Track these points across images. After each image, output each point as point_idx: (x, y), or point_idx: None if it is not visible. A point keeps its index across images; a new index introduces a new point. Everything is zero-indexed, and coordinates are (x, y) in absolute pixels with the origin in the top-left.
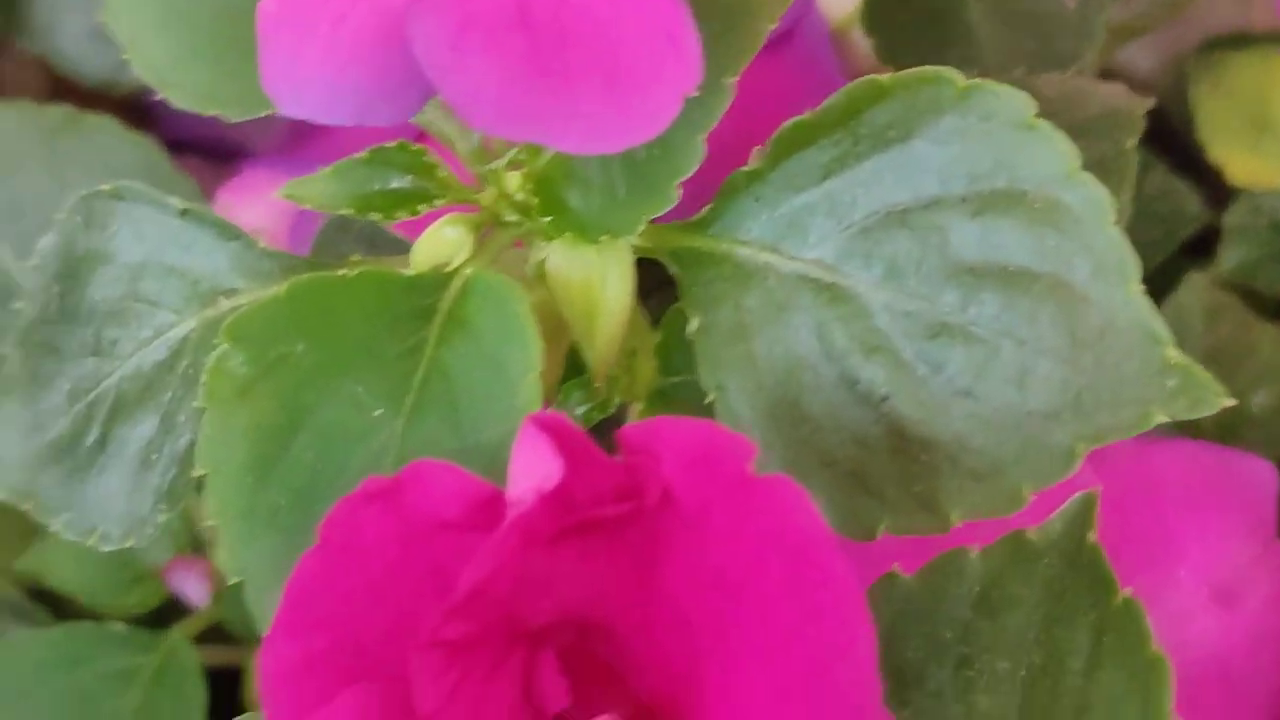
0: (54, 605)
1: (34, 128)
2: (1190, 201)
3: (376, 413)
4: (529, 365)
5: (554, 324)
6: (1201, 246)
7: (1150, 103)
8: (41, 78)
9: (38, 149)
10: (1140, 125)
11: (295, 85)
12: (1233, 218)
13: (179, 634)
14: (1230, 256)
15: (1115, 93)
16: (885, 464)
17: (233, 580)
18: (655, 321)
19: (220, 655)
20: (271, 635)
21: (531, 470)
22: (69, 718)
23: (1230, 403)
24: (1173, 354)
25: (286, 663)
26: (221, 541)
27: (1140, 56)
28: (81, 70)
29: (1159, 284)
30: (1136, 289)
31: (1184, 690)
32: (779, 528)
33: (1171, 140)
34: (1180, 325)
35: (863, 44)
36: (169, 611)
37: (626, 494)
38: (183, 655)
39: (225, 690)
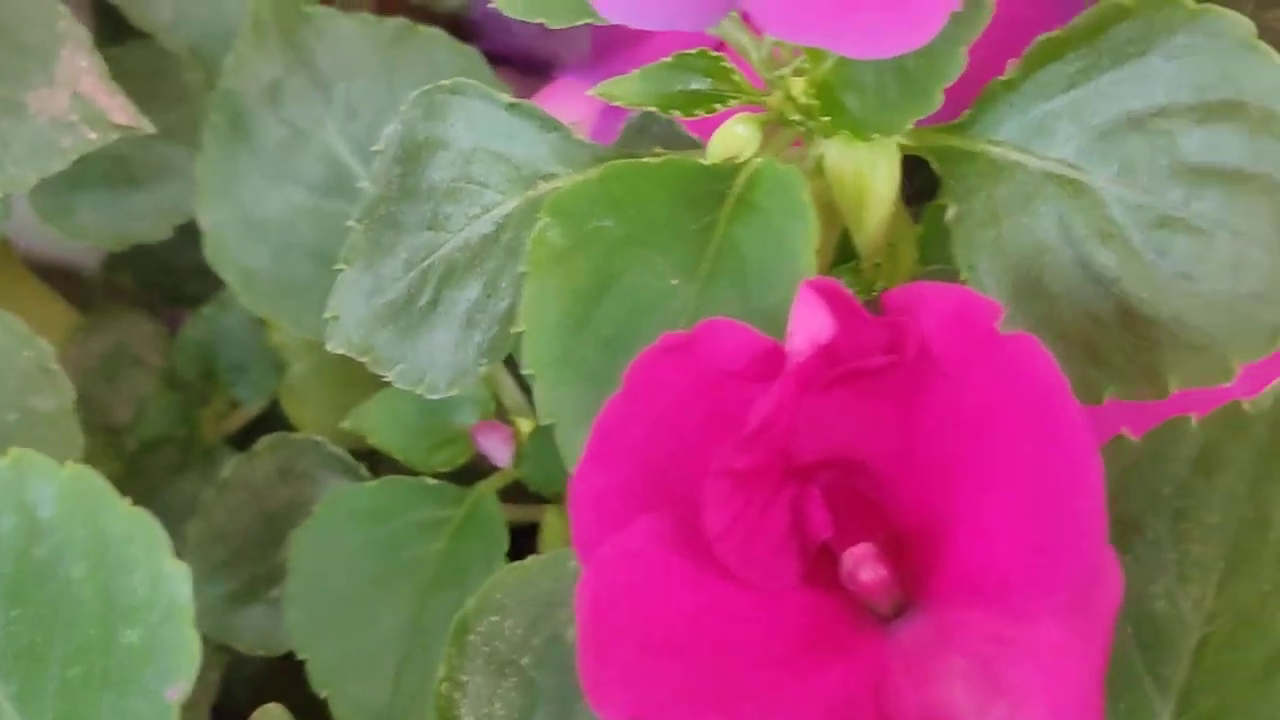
0: (373, 463)
1: (372, 37)
2: None
3: (674, 280)
4: (808, 240)
5: (828, 213)
6: None
7: None
8: None
9: (374, 56)
10: None
11: None
12: None
13: (485, 488)
14: None
15: None
16: (1113, 337)
17: (544, 421)
18: (915, 220)
19: (519, 512)
20: (581, 466)
21: (807, 327)
22: (383, 562)
23: None
24: None
25: (593, 490)
26: (536, 388)
27: None
28: None
29: None
30: None
31: None
32: (1024, 378)
33: None
34: None
35: None
36: (475, 470)
37: (889, 348)
38: (487, 506)
39: (523, 543)
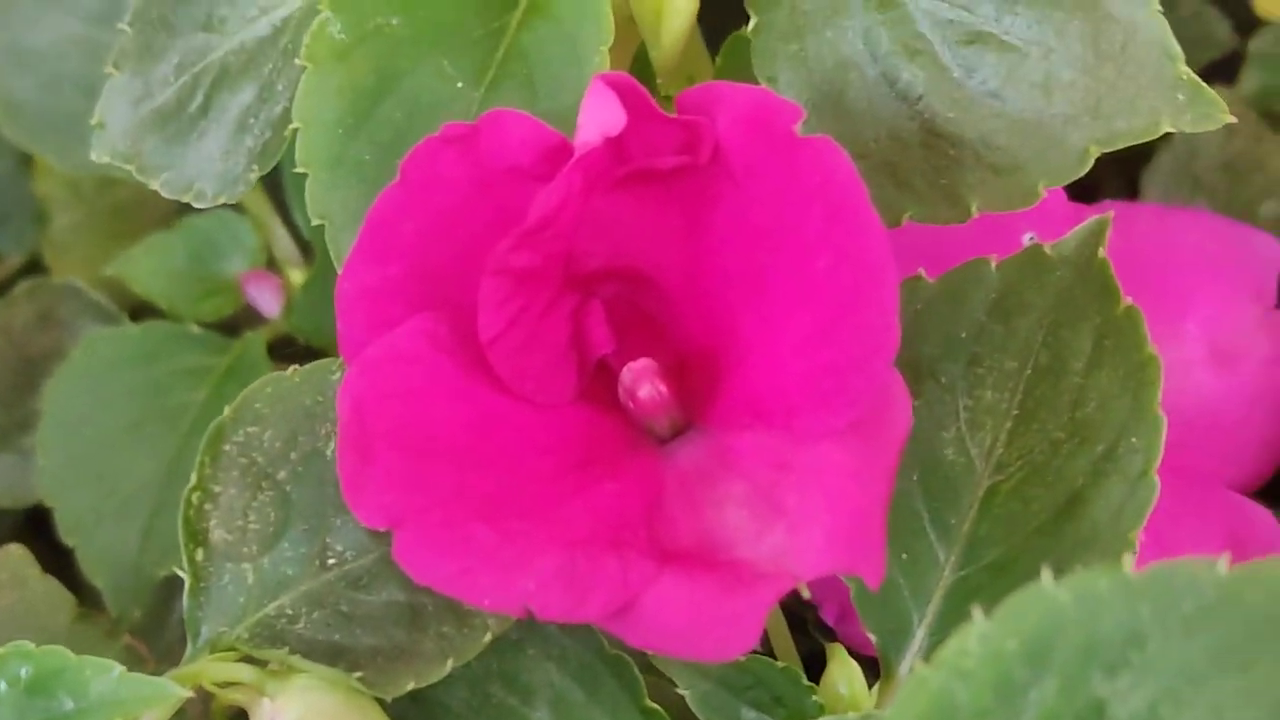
0: (137, 316)
1: None
2: (1219, 27)
3: (459, 84)
4: (600, 40)
5: (624, 26)
6: (1228, 71)
7: None
8: None
9: None
10: None
11: None
12: (1257, 44)
13: (253, 338)
14: (1251, 79)
15: None
16: (916, 157)
17: (315, 221)
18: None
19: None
20: (350, 262)
21: (598, 120)
22: (141, 410)
23: (1231, 119)
24: (1184, 70)
25: (362, 287)
26: (309, 186)
27: None
28: None
29: None
30: (1155, 8)
31: (1179, 429)
32: (821, 181)
33: None
34: (1198, 136)
35: None
36: (243, 321)
37: (681, 148)
38: (253, 355)
39: None
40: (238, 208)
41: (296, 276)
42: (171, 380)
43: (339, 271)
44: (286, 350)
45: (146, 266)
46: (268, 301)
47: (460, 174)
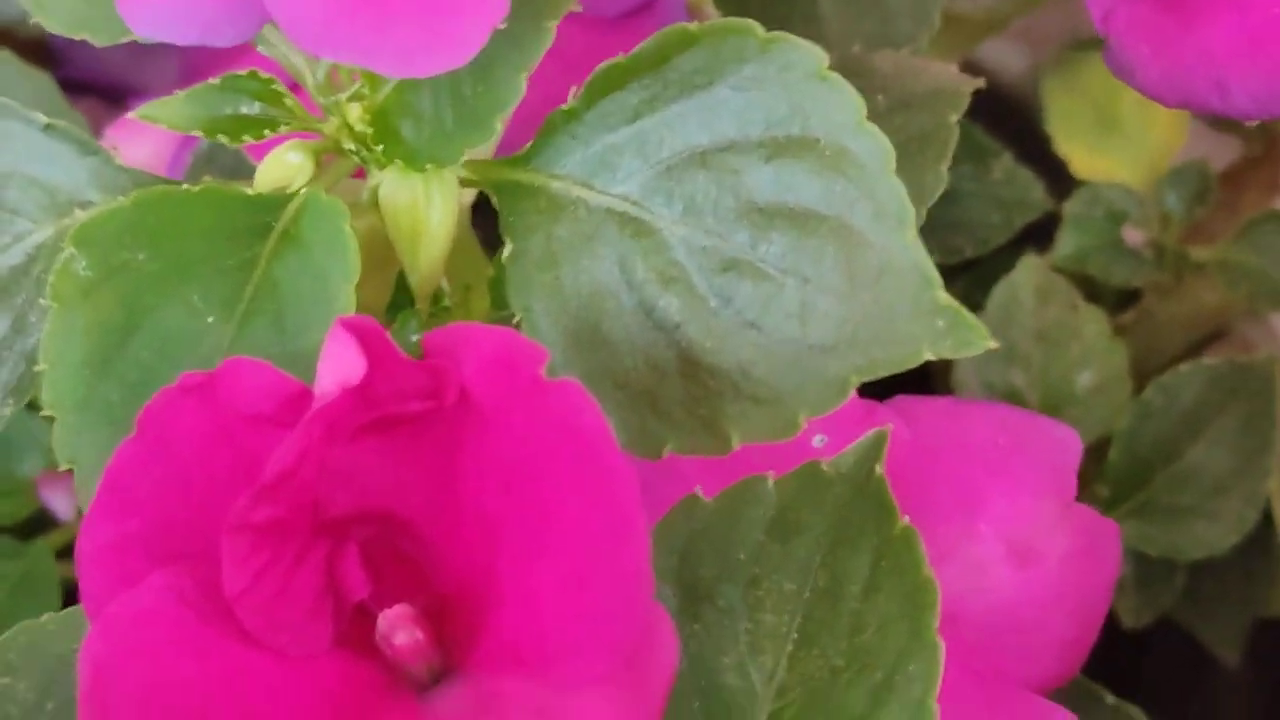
0: None
1: None
2: (1034, 189)
3: (210, 319)
4: (348, 275)
5: (384, 250)
6: (1044, 233)
7: (977, 83)
8: None
9: None
10: (964, 101)
11: (145, 5)
12: (1072, 206)
13: (43, 545)
14: (1066, 243)
15: (945, 71)
16: (675, 387)
17: (63, 467)
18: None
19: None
20: (89, 516)
21: (338, 368)
22: None
23: (993, 345)
24: (942, 296)
25: (103, 542)
26: (56, 430)
27: (1012, 58)
28: None
29: (999, 265)
30: (913, 235)
31: (977, 634)
32: (567, 426)
33: (1026, 134)
34: (1012, 304)
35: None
36: (39, 523)
37: (427, 393)
38: (42, 565)
39: None
40: (33, 405)
41: None
42: None
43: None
44: None
45: None
46: (61, 503)
47: (199, 424)
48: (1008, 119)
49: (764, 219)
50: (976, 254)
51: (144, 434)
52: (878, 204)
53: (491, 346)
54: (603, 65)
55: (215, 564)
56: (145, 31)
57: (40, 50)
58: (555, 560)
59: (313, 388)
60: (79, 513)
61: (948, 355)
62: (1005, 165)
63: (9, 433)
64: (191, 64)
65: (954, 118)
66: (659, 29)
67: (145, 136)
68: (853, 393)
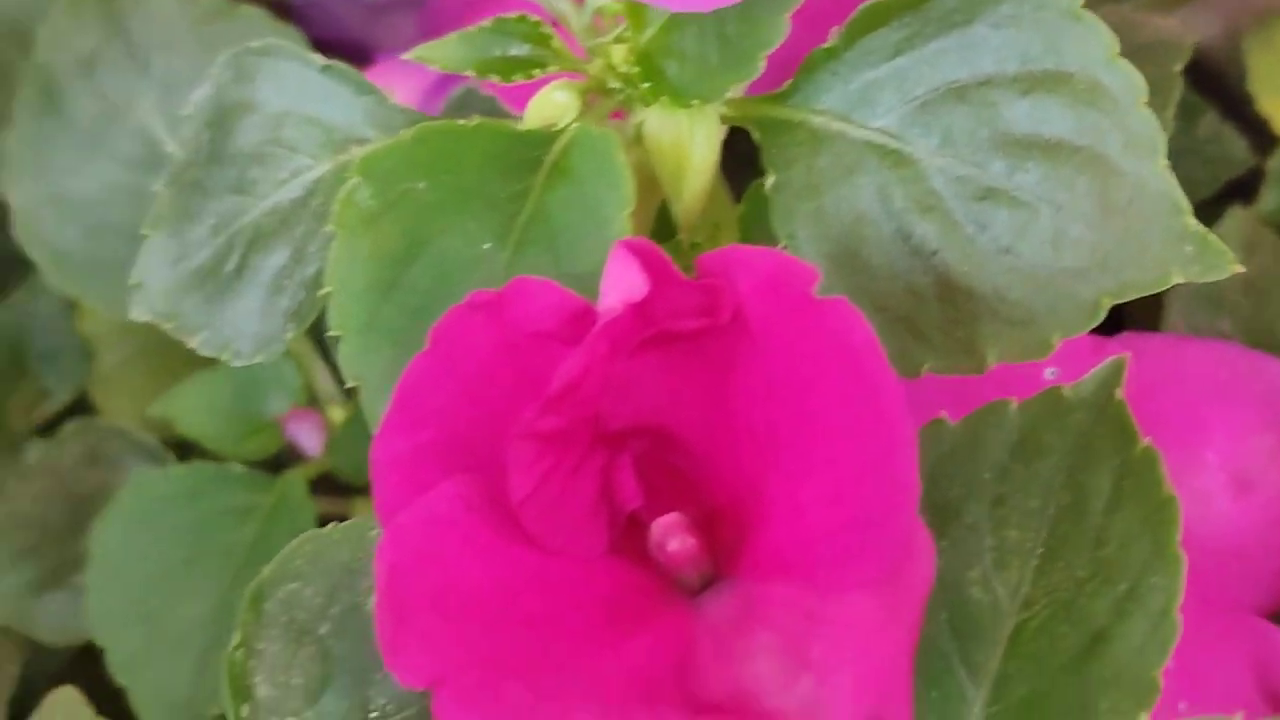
0: (182, 453)
1: (190, 11)
2: (1237, 145)
3: (485, 246)
4: (622, 204)
5: (647, 184)
6: (1247, 189)
7: (1196, 36)
8: None
9: (190, 32)
10: (1186, 52)
11: None
12: (1276, 163)
13: (296, 475)
14: (1271, 197)
15: (1165, 25)
16: (932, 311)
17: (350, 383)
18: (737, 199)
19: (328, 504)
20: (383, 429)
21: (621, 286)
22: (189, 547)
23: (1239, 269)
24: (1192, 223)
25: (395, 453)
26: (342, 350)
27: (1209, 23)
28: None
29: (1205, 218)
30: (1163, 163)
31: (1201, 558)
32: (838, 342)
33: (1225, 95)
34: None
35: None
36: (285, 459)
37: (703, 311)
38: (296, 493)
39: None
40: None
41: (337, 415)
42: (217, 519)
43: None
44: (328, 487)
45: (190, 406)
46: (309, 439)
47: (487, 340)
48: (1209, 79)
49: (1019, 149)
50: None
51: (435, 349)
52: (1129, 134)
53: (765, 266)
54: (864, 5)
55: (499, 472)
56: None
57: (281, 11)
58: (825, 470)
59: (593, 304)
60: (324, 448)
61: (1195, 279)
62: (1210, 122)
63: (256, 374)
64: (431, 21)
65: (1177, 67)
66: None
67: (390, 86)
68: (1103, 315)
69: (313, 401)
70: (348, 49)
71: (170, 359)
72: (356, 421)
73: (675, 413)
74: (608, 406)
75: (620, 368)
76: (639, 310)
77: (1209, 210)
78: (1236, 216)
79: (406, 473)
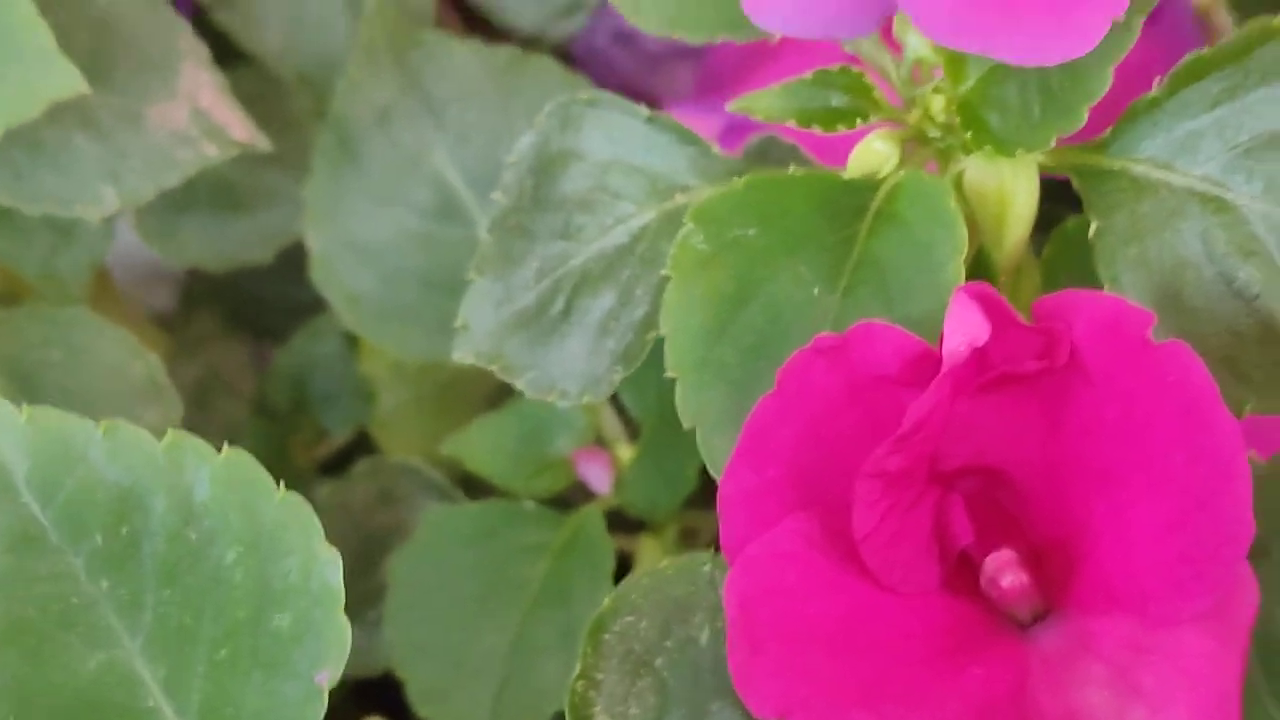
0: (467, 491)
1: (485, 64)
2: None
3: (815, 290)
4: (956, 248)
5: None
6: None
7: None
8: (456, 26)
9: (487, 82)
10: None
11: (773, 4)
12: None
13: (591, 511)
14: None
15: None
16: (1254, 352)
17: (687, 424)
18: (1037, 250)
19: (617, 541)
20: (731, 465)
21: (963, 330)
22: (484, 583)
23: None
24: None
25: (742, 490)
26: (679, 390)
27: None
28: (517, 21)
29: None
30: None
31: None
32: (1175, 385)
33: None
34: None
35: (1223, 24)
36: (573, 497)
37: (1041, 354)
38: (592, 528)
39: (618, 574)
40: None
41: (624, 453)
42: (511, 556)
43: (718, 475)
44: (615, 524)
45: (481, 446)
46: (598, 478)
47: (831, 382)
48: None
49: None
50: None
51: (782, 391)
52: None
53: (1101, 310)
54: (1188, 57)
55: (838, 509)
56: (771, 25)
57: (564, 60)
58: (1157, 505)
59: (933, 348)
60: (613, 485)
61: None
62: None
63: (543, 415)
64: (710, 71)
65: None
66: (1170, 31)
67: None
68: None
69: (599, 441)
70: (627, 97)
71: (447, 401)
72: (643, 460)
73: (1007, 451)
74: (947, 444)
75: (959, 408)
76: (982, 353)
77: None
78: None
79: (752, 509)
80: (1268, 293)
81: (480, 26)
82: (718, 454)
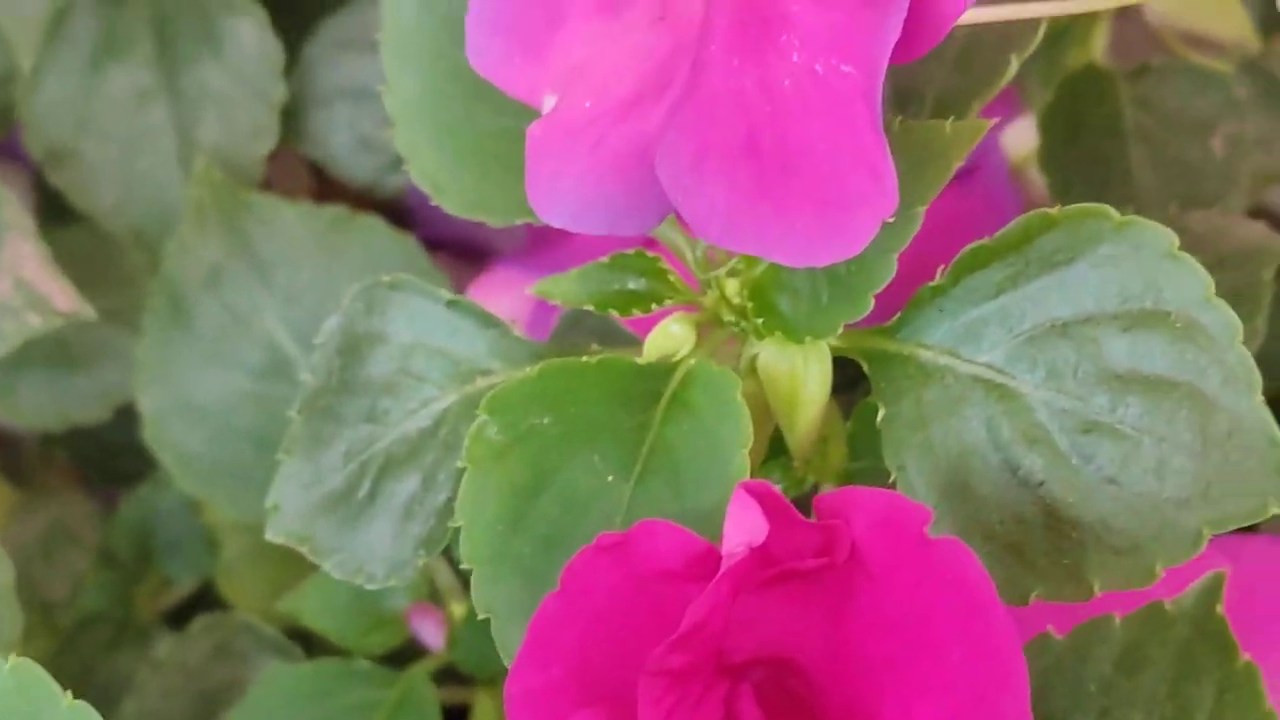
0: (308, 642)
1: (311, 225)
2: None
3: (609, 478)
4: (741, 441)
5: (760, 411)
6: None
7: None
8: (303, 181)
9: (313, 243)
10: (1275, 259)
11: (555, 198)
12: None
13: (419, 670)
14: None
15: (1255, 231)
16: (1040, 539)
17: (482, 615)
18: (846, 415)
19: (451, 694)
20: (516, 665)
21: (742, 528)
22: None
23: None
24: None
25: (529, 689)
26: (474, 582)
27: None
28: (351, 175)
29: None
30: (1259, 399)
31: None
32: (951, 582)
33: None
34: None
35: (1037, 180)
36: (408, 652)
37: (821, 551)
38: (420, 690)
39: None
40: None
41: (458, 610)
42: (343, 715)
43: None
44: (450, 680)
45: (316, 602)
46: (431, 634)
47: (615, 579)
48: None
49: (1121, 384)
50: None
51: (566, 588)
52: (1227, 371)
53: (879, 507)
54: (969, 246)
55: (627, 705)
56: (554, 220)
57: (398, 211)
58: (939, 698)
59: (714, 545)
60: (447, 641)
61: None
62: None
63: None
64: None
65: (1267, 275)
66: (984, 191)
67: (503, 295)
68: (1205, 544)
69: (434, 596)
70: (463, 250)
71: (291, 551)
72: (476, 617)
73: (794, 643)
74: (732, 639)
75: (742, 604)
76: (760, 551)
77: None
78: None
79: (540, 707)
80: (1052, 480)
81: (321, 178)
82: (512, 646)
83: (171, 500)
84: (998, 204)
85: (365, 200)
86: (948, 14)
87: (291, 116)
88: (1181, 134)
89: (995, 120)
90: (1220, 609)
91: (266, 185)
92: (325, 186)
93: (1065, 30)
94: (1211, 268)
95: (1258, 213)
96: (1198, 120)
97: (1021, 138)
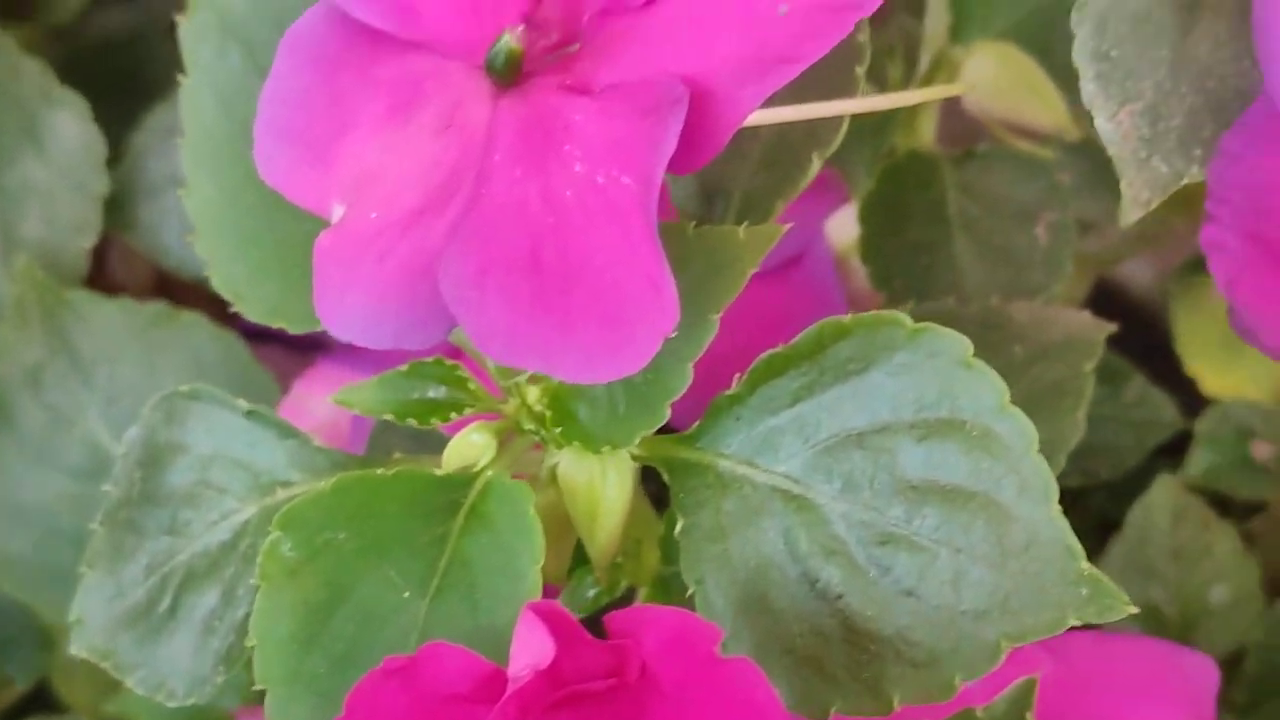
0: None
1: (132, 321)
2: (1166, 409)
3: (405, 594)
4: (534, 558)
5: (565, 519)
6: (1179, 449)
7: (1109, 329)
8: (144, 271)
9: (134, 341)
10: (1097, 350)
11: (342, 311)
12: (1203, 425)
13: None
14: (1198, 462)
15: (1078, 320)
16: (839, 653)
17: None
18: (661, 514)
19: None
20: None
21: (529, 650)
22: None
23: (1133, 610)
24: (1085, 566)
25: None
26: (267, 704)
27: (1139, 271)
28: (182, 265)
29: (1134, 484)
30: (1056, 510)
31: None
32: (741, 699)
33: (1158, 347)
34: (1148, 524)
35: (861, 270)
36: None
37: (611, 671)
38: None
39: None
40: None
41: None
42: None
43: None
44: None
45: (142, 705)
46: None
47: (403, 704)
48: (1138, 331)
49: (917, 495)
50: (1112, 476)
51: (352, 713)
52: (1022, 480)
53: (670, 626)
54: (764, 355)
55: None
56: (340, 334)
57: (226, 303)
58: None
59: (504, 667)
60: None
61: (1092, 620)
62: (1138, 387)
63: None
64: None
65: (1088, 367)
66: (809, 281)
67: (327, 392)
68: (1003, 657)
69: (260, 699)
70: (294, 342)
71: None
72: None
73: None
74: None
75: None
76: (548, 674)
77: (1137, 477)
78: (1164, 485)
79: None
80: (849, 593)
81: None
82: None
83: (5, 600)
84: (823, 295)
85: (201, 292)
86: (726, 123)
87: (122, 208)
88: (1006, 221)
89: (790, 225)
90: (1031, 715)
91: (109, 279)
92: (168, 277)
93: (891, 118)
94: (1035, 359)
95: (1106, 288)
96: (1022, 207)
97: (847, 226)
